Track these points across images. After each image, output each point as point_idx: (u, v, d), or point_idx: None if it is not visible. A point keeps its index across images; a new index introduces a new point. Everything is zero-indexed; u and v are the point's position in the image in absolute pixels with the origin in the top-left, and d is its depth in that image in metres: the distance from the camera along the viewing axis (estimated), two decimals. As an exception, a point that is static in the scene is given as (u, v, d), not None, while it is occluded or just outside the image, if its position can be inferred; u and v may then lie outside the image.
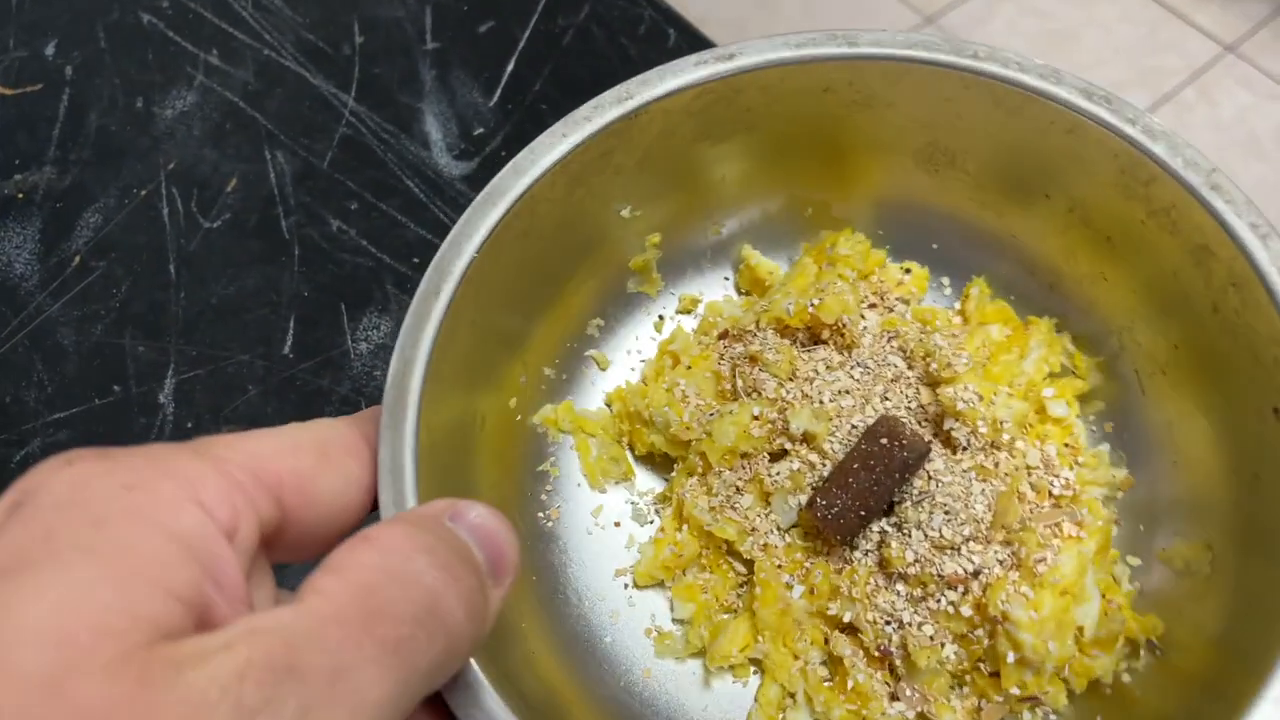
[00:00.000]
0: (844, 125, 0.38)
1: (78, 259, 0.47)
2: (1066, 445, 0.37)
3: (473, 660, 0.27)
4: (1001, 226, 0.39)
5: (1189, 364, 0.34)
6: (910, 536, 0.34)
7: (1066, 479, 0.36)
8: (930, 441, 0.36)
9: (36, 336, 0.44)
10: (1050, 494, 0.36)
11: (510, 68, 0.55)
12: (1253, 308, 0.31)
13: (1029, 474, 0.36)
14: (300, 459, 0.25)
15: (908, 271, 0.41)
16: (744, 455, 0.37)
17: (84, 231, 0.48)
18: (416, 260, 0.47)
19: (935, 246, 0.41)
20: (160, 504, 0.21)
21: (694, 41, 0.57)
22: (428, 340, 0.32)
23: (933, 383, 0.37)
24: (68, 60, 0.54)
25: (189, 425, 0.42)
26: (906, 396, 0.37)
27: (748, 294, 0.42)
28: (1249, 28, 1.49)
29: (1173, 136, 0.33)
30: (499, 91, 0.54)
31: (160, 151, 0.51)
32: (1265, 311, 0.30)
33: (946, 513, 0.34)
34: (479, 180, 0.51)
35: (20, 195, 0.49)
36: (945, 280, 0.41)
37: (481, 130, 0.52)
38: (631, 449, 0.40)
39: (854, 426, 0.36)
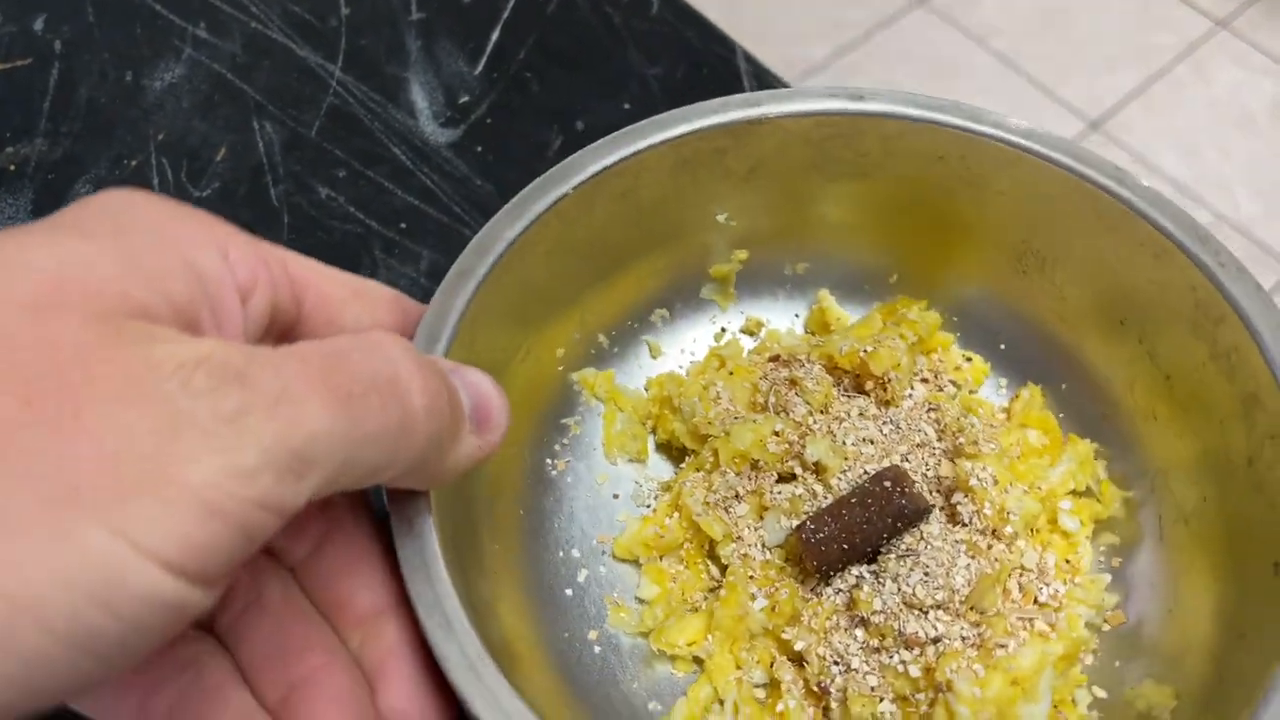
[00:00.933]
0: (950, 200, 0.39)
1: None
2: (1067, 561, 0.37)
3: (451, 587, 0.28)
4: (1072, 343, 0.39)
5: (1213, 518, 0.34)
6: (884, 587, 0.34)
7: (1056, 590, 0.36)
8: (933, 507, 0.36)
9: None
10: (1035, 600, 0.35)
11: (495, 37, 0.56)
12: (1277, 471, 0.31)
13: (1020, 573, 0.36)
14: (334, 286, 0.28)
15: (969, 360, 0.41)
16: (754, 465, 0.37)
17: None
18: (403, 225, 0.49)
19: (1003, 347, 0.41)
20: (187, 238, 0.23)
21: (678, 11, 0.58)
22: (493, 255, 0.34)
23: (955, 456, 0.37)
24: (57, 34, 0.57)
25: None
26: (926, 464, 0.37)
27: (813, 334, 0.43)
28: (1241, 3, 1.48)
29: (1251, 279, 0.33)
30: (484, 60, 0.56)
31: (150, 123, 0.53)
32: None
33: (926, 574, 0.34)
34: (465, 147, 0.52)
35: (12, 167, 0.52)
36: (1003, 381, 0.41)
37: (467, 98, 0.54)
38: (654, 434, 0.41)
39: (865, 472, 0.36)
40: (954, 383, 0.41)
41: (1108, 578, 0.36)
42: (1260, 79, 1.42)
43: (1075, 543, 0.36)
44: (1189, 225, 0.34)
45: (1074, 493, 0.37)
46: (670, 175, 0.38)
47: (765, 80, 0.54)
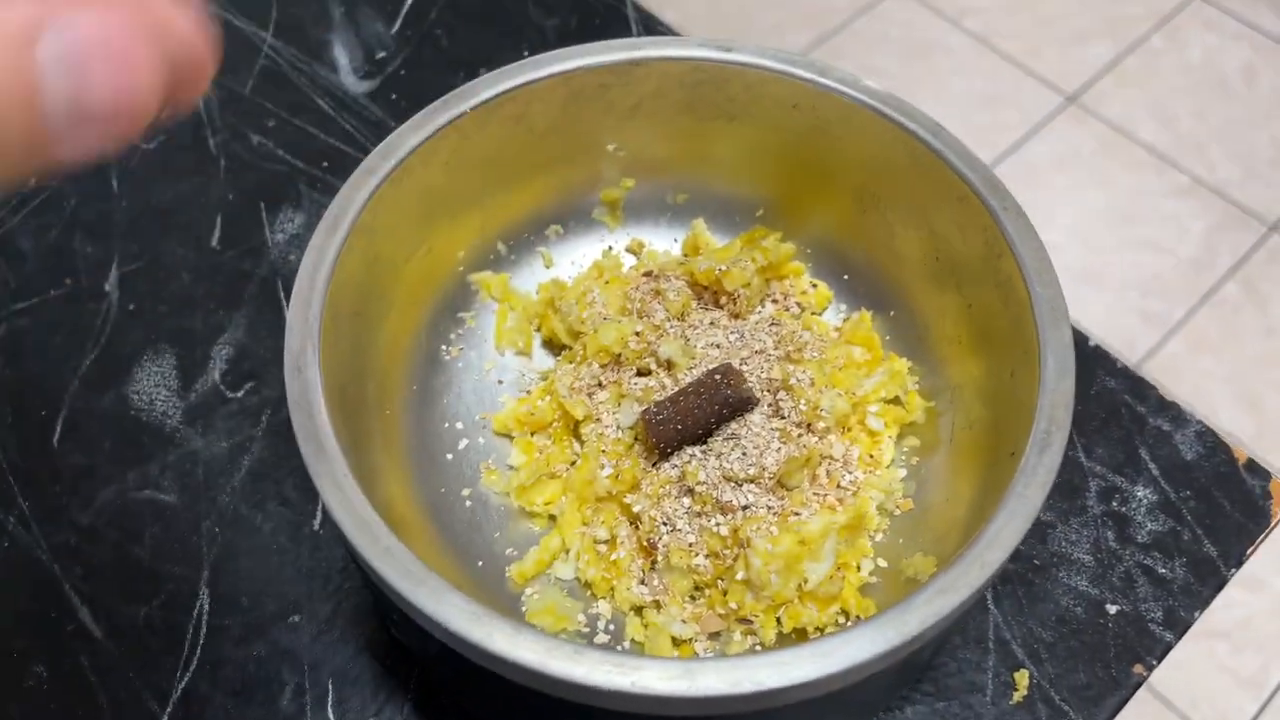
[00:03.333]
0: (804, 145, 0.45)
1: (32, 179, 0.54)
2: (870, 455, 0.43)
3: (333, 437, 0.34)
4: (900, 275, 0.45)
5: (986, 424, 0.40)
6: (709, 463, 0.40)
7: (856, 478, 0.42)
8: (759, 401, 0.42)
9: (1, 244, 0.52)
10: (838, 485, 0.42)
11: (409, 1, 0.62)
12: (1027, 376, 0.36)
13: (825, 461, 0.42)
14: None
15: (815, 286, 0.48)
16: (616, 360, 0.43)
17: (38, 156, 0.55)
18: (325, 164, 0.55)
19: (845, 277, 0.47)
20: None
21: None
22: (394, 159, 0.40)
23: (784, 361, 0.43)
24: None
25: (131, 307, 0.50)
26: (761, 368, 0.43)
27: (687, 256, 0.49)
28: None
29: (1026, 221, 0.39)
30: (399, 21, 0.61)
31: None
32: (1032, 378, 0.36)
33: (743, 454, 0.40)
34: (380, 96, 0.58)
35: None
36: (844, 307, 0.47)
37: (383, 54, 0.60)
38: (539, 332, 0.47)
39: (709, 371, 0.42)
40: (800, 305, 0.47)
41: (903, 472, 0.43)
42: (1233, 44, 1.46)
43: (879, 440, 0.43)
44: (985, 174, 0.40)
45: (886, 401, 0.44)
46: (561, 106, 0.44)
47: (652, 26, 0.60)
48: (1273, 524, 0.45)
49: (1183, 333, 1.23)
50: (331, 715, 0.41)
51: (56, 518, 0.45)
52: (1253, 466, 0.47)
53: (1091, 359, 0.49)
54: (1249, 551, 0.45)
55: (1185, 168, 1.35)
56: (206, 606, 0.43)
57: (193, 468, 0.46)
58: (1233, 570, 0.44)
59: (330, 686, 0.41)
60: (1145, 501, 0.46)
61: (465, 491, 0.43)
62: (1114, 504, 0.46)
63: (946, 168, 0.41)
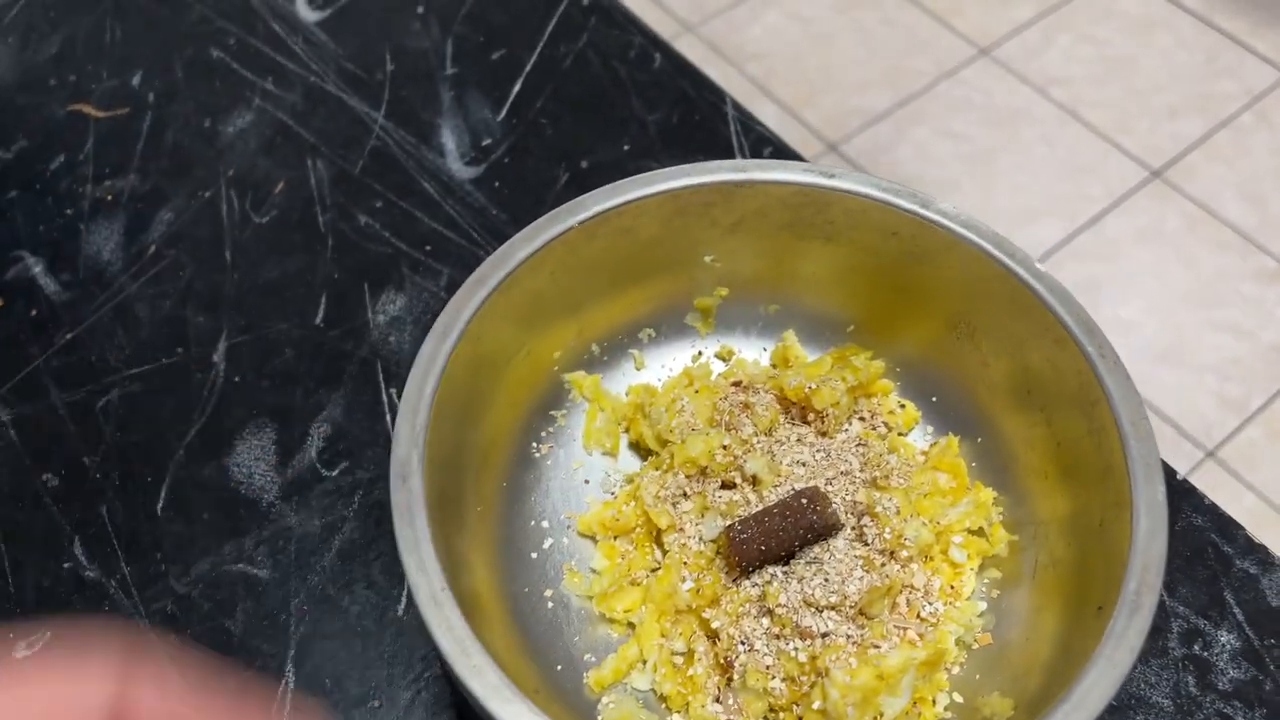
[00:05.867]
0: (901, 270, 0.46)
1: (153, 248, 0.57)
2: (951, 586, 0.43)
3: (433, 552, 0.35)
4: (990, 403, 0.46)
5: (1071, 565, 0.40)
6: (790, 586, 0.41)
7: (937, 609, 0.42)
8: (843, 526, 0.43)
9: (119, 309, 0.54)
10: (918, 615, 0.42)
11: (516, 88, 0.64)
12: (1118, 529, 0.37)
13: (908, 590, 0.42)
14: None
15: (903, 406, 0.48)
16: (702, 471, 0.44)
17: (158, 226, 0.58)
18: (428, 248, 0.57)
19: (934, 399, 0.48)
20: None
21: (676, 65, 0.65)
22: (506, 269, 0.42)
23: (870, 486, 0.44)
24: (151, 88, 0.65)
25: (236, 379, 0.52)
26: (847, 490, 0.44)
27: (775, 368, 0.50)
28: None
29: (1123, 370, 0.39)
30: (505, 108, 0.63)
31: (222, 161, 0.62)
32: (1123, 533, 0.37)
33: (825, 580, 0.41)
34: (485, 182, 0.60)
35: (109, 197, 0.60)
36: (930, 429, 0.48)
37: (489, 140, 0.61)
38: (627, 434, 0.48)
39: (794, 489, 0.43)
40: (887, 424, 0.47)
41: (983, 605, 0.43)
42: (1326, 125, 1.44)
43: (960, 572, 0.43)
44: (1082, 318, 0.41)
45: (969, 531, 0.44)
46: (665, 220, 0.45)
47: (750, 126, 0.62)
48: (1361, 682, 0.44)
49: (1261, 419, 1.21)
50: (405, 806, 0.42)
51: (156, 585, 0.47)
52: (1342, 619, 0.46)
53: (1178, 494, 0.49)
54: (1335, 709, 0.44)
55: (1272, 250, 1.33)
56: (292, 685, 0.44)
57: (286, 544, 0.48)
58: (1317, 727, 0.44)
59: (406, 776, 0.42)
60: (1228, 647, 0.45)
61: (548, 592, 0.44)
62: (1196, 647, 0.45)
63: (1045, 309, 0.41)
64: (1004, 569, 0.43)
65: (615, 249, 0.45)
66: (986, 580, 0.44)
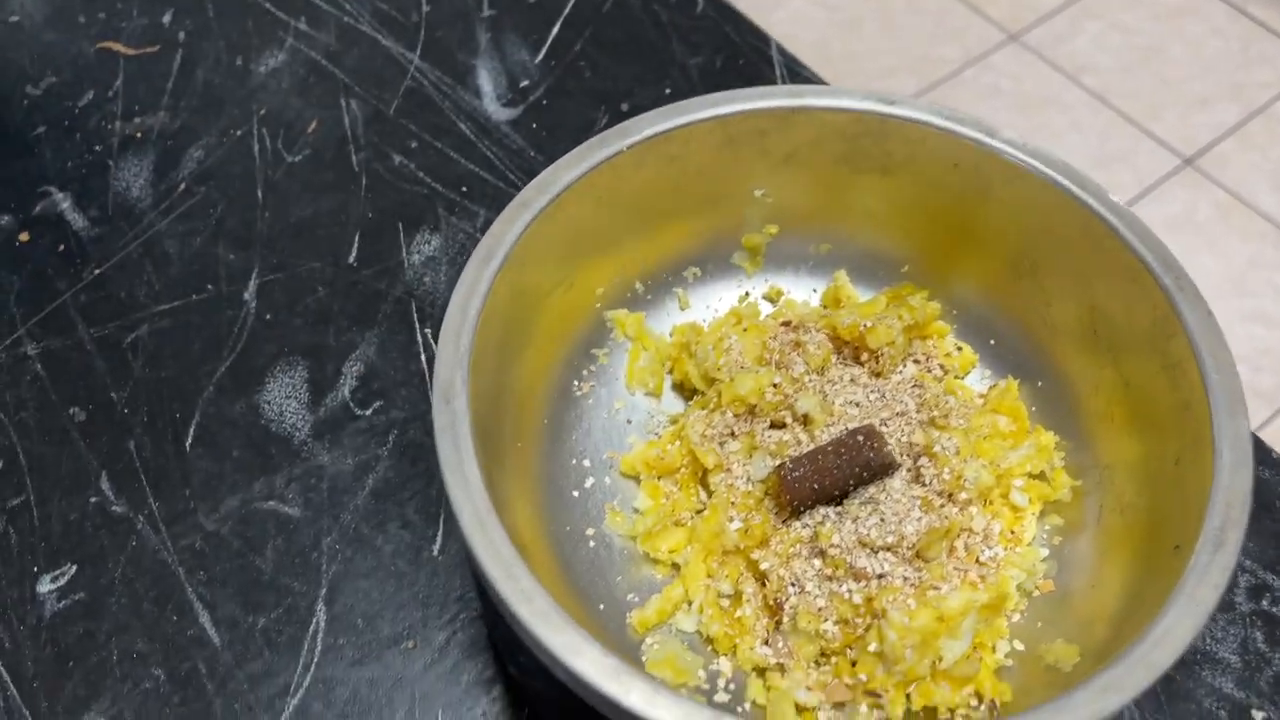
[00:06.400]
0: (961, 204, 0.44)
1: (183, 185, 0.56)
2: (1012, 531, 0.41)
3: (478, 472, 0.34)
4: (1052, 345, 0.44)
5: (1142, 509, 0.38)
6: (844, 526, 0.39)
7: (996, 554, 0.40)
8: (900, 466, 0.41)
9: (148, 246, 0.53)
10: (977, 559, 0.40)
11: (555, 31, 0.62)
12: (1198, 467, 0.35)
13: (968, 534, 0.40)
14: None
15: (960, 349, 0.46)
16: (751, 410, 0.42)
17: (189, 164, 0.57)
18: (464, 189, 0.55)
19: (992, 342, 0.46)
20: None
21: (720, 9, 0.63)
22: (550, 194, 0.40)
23: (927, 426, 0.42)
24: (181, 27, 0.64)
25: (267, 317, 0.51)
26: (903, 431, 0.42)
27: (826, 308, 0.48)
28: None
29: (1203, 303, 0.37)
30: (544, 51, 0.62)
31: (254, 100, 0.60)
32: (1205, 470, 0.34)
33: (882, 520, 0.39)
34: (522, 124, 0.58)
35: (139, 135, 0.58)
36: (989, 372, 0.46)
37: (526, 83, 0.60)
38: (671, 374, 0.46)
39: (847, 429, 0.41)
40: (943, 367, 0.45)
41: (1045, 551, 0.41)
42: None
43: (1021, 516, 0.41)
44: (1159, 250, 0.39)
45: (1030, 475, 0.42)
46: (716, 149, 0.43)
47: (796, 71, 0.60)
48: None
49: (1292, 412, 1.18)
50: (442, 748, 0.40)
51: (184, 521, 0.45)
52: None
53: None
54: None
55: (1306, 240, 1.30)
56: (323, 624, 0.43)
57: (318, 483, 0.46)
58: (1394, 687, 0.42)
59: (439, 717, 0.41)
60: (1299, 603, 0.43)
61: (589, 531, 0.42)
62: (1264, 603, 0.43)
63: (1119, 241, 0.39)
64: (1066, 515, 0.42)
65: (663, 178, 0.43)
66: (1048, 526, 0.42)
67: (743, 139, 0.44)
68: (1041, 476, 0.42)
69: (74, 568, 0.44)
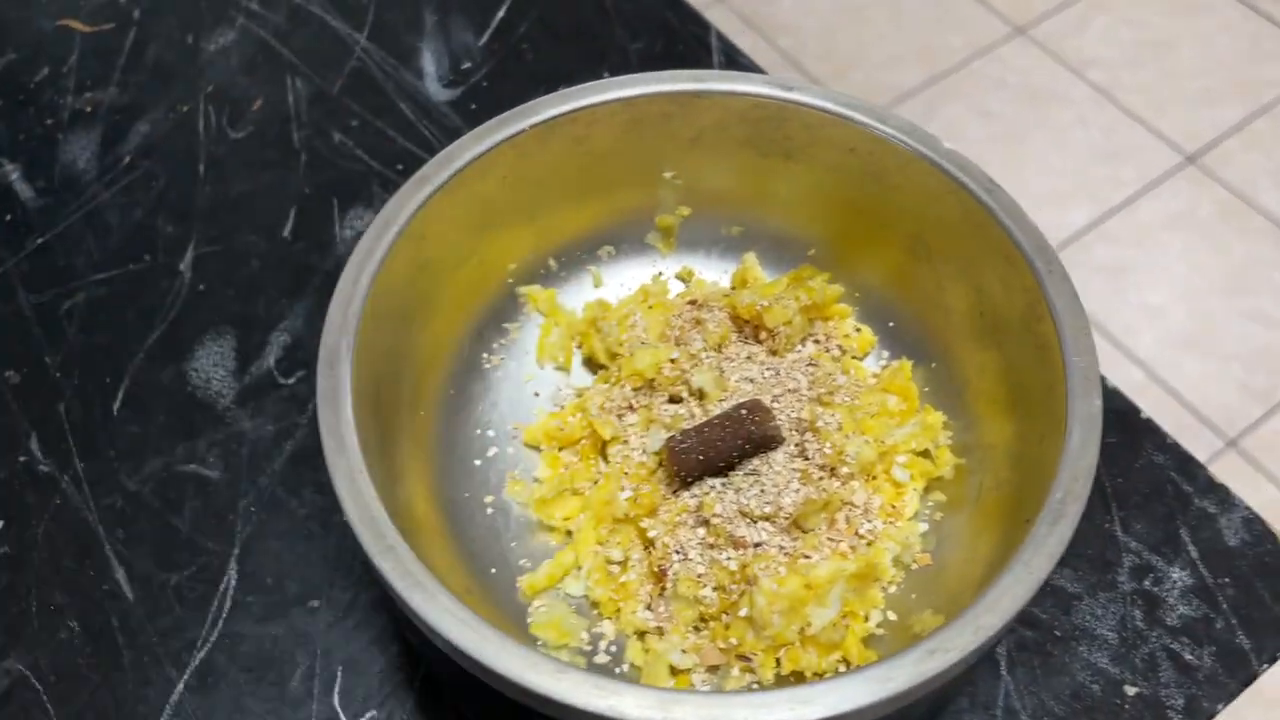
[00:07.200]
0: (859, 188, 0.45)
1: (127, 159, 0.57)
2: (893, 506, 0.42)
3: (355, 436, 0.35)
4: (945, 328, 0.45)
5: (1011, 486, 0.39)
6: (726, 496, 0.41)
7: (875, 527, 0.41)
8: (784, 440, 0.42)
9: (90, 216, 0.55)
10: (856, 532, 0.41)
11: (500, 14, 0.64)
12: (1055, 446, 0.36)
13: (846, 508, 0.41)
14: None
15: (859, 330, 0.47)
16: (650, 384, 0.44)
17: (134, 138, 0.58)
18: (400, 167, 0.57)
19: (891, 324, 0.47)
20: None
21: None
22: (450, 170, 0.41)
23: (814, 403, 0.43)
24: (137, 4, 0.65)
25: (200, 288, 0.52)
26: (793, 407, 0.43)
27: (734, 289, 0.49)
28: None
29: (1069, 287, 0.38)
30: (488, 33, 0.63)
31: (203, 78, 0.62)
32: (1058, 450, 0.35)
33: (762, 491, 0.40)
34: (461, 105, 0.60)
35: (88, 109, 0.60)
36: (886, 354, 0.47)
37: (469, 65, 0.61)
38: (580, 350, 0.48)
39: (736, 405, 0.42)
40: (841, 348, 0.47)
41: (924, 526, 0.42)
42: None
43: (903, 492, 0.42)
44: (1035, 237, 0.40)
45: (915, 452, 0.43)
46: (622, 130, 0.45)
47: (733, 56, 0.61)
48: (1314, 622, 0.43)
49: (1287, 412, 1.19)
50: (337, 703, 0.42)
51: (107, 481, 0.47)
52: (1300, 560, 0.45)
53: (1142, 433, 0.48)
54: (1284, 648, 0.43)
55: (1308, 241, 1.30)
56: (234, 582, 0.45)
57: (238, 448, 0.48)
58: (1265, 665, 0.43)
59: (339, 674, 0.42)
60: (1180, 584, 0.44)
61: (488, 499, 0.43)
62: (1146, 583, 0.44)
63: (996, 225, 0.40)
64: (949, 492, 0.43)
65: (570, 158, 0.45)
66: (932, 503, 0.43)
67: (648, 121, 0.45)
68: (926, 454, 0.43)
69: (0, 523, 0.46)
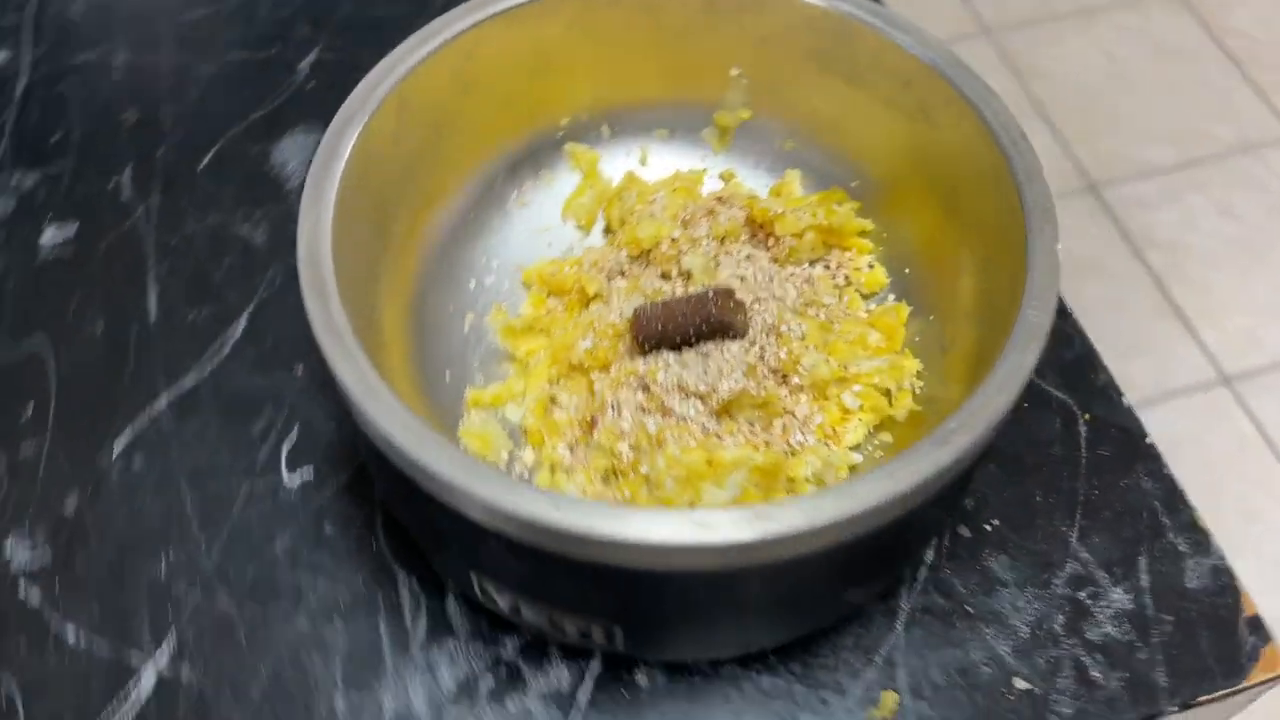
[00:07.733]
0: (909, 129, 0.44)
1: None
2: (834, 429, 0.42)
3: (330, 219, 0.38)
4: (954, 290, 0.43)
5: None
6: (672, 369, 0.42)
7: (806, 440, 0.42)
8: (744, 332, 0.42)
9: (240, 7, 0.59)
10: (788, 441, 0.42)
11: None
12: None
13: (788, 417, 0.42)
14: None
15: (871, 267, 0.47)
16: (646, 255, 0.45)
17: None
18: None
19: (907, 271, 0.46)
20: None
21: None
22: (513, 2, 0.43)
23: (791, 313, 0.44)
24: None
25: (309, 86, 0.56)
26: (770, 312, 0.43)
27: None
28: None
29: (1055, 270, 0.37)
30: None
31: None
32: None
33: (705, 372, 0.41)
34: None
35: None
36: (892, 298, 0.46)
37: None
38: (606, 218, 0.49)
39: (708, 287, 0.43)
40: (849, 279, 0.46)
41: (857, 457, 0.42)
42: None
43: (848, 418, 0.42)
44: (1043, 198, 0.38)
45: (879, 389, 0.43)
46: (696, 12, 0.46)
47: None
48: (1241, 687, 0.40)
49: None
50: (284, 451, 0.46)
51: (171, 220, 0.53)
52: (1257, 624, 0.42)
53: (1139, 455, 0.46)
54: (1201, 700, 0.40)
55: None
56: (240, 332, 0.49)
57: (286, 224, 0.52)
58: (1173, 710, 0.40)
59: (295, 430, 0.46)
60: (1117, 606, 0.42)
61: (469, 315, 0.46)
62: (1081, 594, 0.42)
63: (1010, 180, 0.39)
64: (898, 435, 0.42)
65: (639, 27, 0.46)
66: (878, 441, 0.43)
67: (724, 10, 0.46)
68: (888, 395, 0.43)
69: (76, 225, 0.52)
